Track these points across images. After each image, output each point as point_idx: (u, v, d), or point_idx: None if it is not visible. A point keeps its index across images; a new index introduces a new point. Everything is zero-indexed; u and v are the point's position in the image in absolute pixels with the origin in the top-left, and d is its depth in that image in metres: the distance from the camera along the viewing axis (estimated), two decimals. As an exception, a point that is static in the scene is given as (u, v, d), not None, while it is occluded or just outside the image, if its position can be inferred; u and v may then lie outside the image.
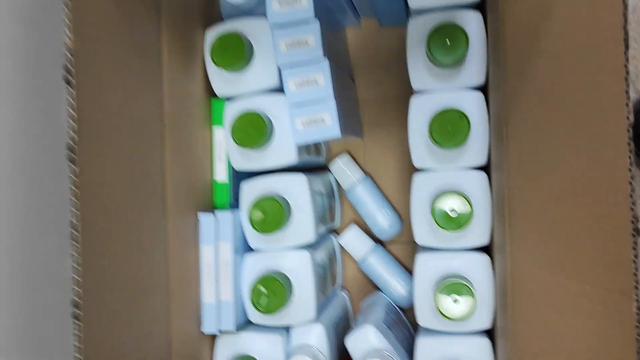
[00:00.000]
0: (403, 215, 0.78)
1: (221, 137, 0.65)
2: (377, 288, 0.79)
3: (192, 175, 0.60)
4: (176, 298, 0.56)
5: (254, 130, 0.59)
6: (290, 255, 0.62)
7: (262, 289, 0.58)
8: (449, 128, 0.56)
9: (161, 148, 0.54)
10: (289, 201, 0.61)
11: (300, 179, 0.62)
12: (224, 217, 0.61)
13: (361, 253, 0.77)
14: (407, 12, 0.73)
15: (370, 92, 0.79)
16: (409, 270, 0.78)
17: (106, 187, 0.44)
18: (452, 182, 0.58)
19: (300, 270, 0.62)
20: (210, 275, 0.61)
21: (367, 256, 0.77)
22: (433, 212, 0.56)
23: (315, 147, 0.72)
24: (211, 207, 0.65)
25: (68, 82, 0.39)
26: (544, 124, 0.43)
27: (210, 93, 0.65)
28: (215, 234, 0.61)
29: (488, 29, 0.57)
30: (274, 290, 0.59)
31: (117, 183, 0.46)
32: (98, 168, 0.43)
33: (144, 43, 0.53)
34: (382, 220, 0.77)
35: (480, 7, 0.59)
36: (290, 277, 0.61)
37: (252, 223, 0.60)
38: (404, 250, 0.79)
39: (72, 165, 0.39)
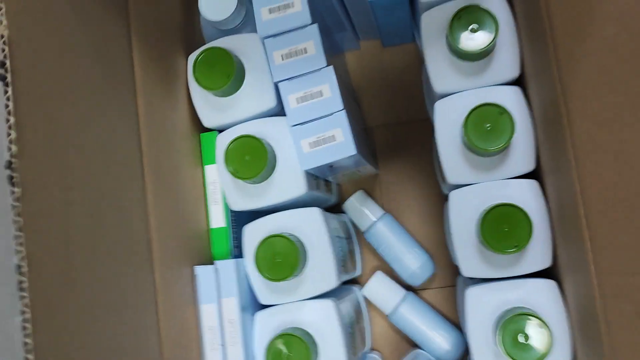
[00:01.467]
0: (434, 254, 0.67)
1: (214, 175, 0.55)
2: (413, 345, 0.67)
3: (181, 222, 0.50)
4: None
5: (253, 157, 0.49)
6: (310, 306, 0.51)
7: (282, 347, 0.46)
8: (488, 128, 0.46)
9: (142, 190, 0.44)
10: (302, 240, 0.51)
11: (314, 212, 0.52)
12: (226, 267, 0.50)
13: (391, 304, 0.65)
14: (412, 26, 0.65)
15: (379, 118, 0.70)
16: (449, 319, 0.66)
17: (69, 230, 0.34)
18: (498, 195, 0.48)
19: (325, 324, 0.50)
20: (215, 340, 0.49)
21: (397, 307, 0.65)
22: (482, 232, 0.45)
23: (325, 183, 0.62)
24: (209, 259, 0.54)
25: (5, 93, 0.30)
26: (624, 114, 0.34)
27: (199, 128, 0.56)
28: (216, 289, 0.50)
29: (517, 9, 0.49)
30: (294, 350, 0.47)
31: (82, 226, 0.36)
32: (56, 209, 0.33)
33: (112, 62, 0.44)
34: (411, 261, 0.65)
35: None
36: (313, 334, 0.49)
37: (261, 269, 0.49)
38: (440, 296, 0.67)
39: (13, 188, 0.28)
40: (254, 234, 0.52)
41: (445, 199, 0.65)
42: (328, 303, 0.51)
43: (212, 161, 0.55)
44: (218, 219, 0.55)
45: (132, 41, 0.47)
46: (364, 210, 0.67)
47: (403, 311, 0.65)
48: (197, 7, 0.53)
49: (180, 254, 0.48)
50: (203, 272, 0.50)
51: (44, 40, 0.34)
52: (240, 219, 0.57)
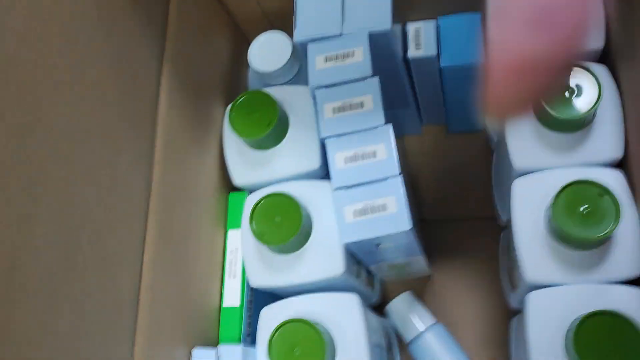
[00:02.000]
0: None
1: (236, 242, 0.46)
2: None
3: (184, 293, 0.40)
4: None
5: (284, 219, 0.40)
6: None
7: None
8: (584, 211, 0.36)
9: (139, 248, 0.36)
10: (331, 333, 0.40)
11: (351, 300, 0.41)
12: (230, 354, 0.40)
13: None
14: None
15: (437, 211, 0.61)
16: None
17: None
18: (595, 301, 0.36)
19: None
20: None
21: (422, 335, 0.52)
22: (575, 349, 0.34)
23: (367, 275, 0.51)
24: (214, 344, 0.43)
25: None
26: None
27: (229, 187, 0.48)
28: (215, 384, 0.39)
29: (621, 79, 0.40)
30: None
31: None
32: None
33: (134, 97, 0.37)
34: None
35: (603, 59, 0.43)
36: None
37: (274, 363, 0.38)
38: None
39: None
40: (272, 318, 0.42)
41: (512, 314, 0.53)
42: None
43: (238, 225, 0.46)
44: (232, 297, 0.45)
45: (162, 77, 0.40)
46: (410, 316, 0.56)
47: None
48: (246, 57, 0.47)
49: (175, 332, 0.38)
50: (201, 356, 0.39)
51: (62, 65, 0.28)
52: (259, 299, 0.47)
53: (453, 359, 0.53)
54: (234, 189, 0.48)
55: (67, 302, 0.28)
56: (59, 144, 0.28)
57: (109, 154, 0.32)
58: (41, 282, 0.26)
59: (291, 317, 0.39)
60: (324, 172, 0.46)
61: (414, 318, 0.55)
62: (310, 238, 0.42)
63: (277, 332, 0.38)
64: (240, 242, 0.46)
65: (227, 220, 0.47)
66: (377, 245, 0.42)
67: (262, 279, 0.43)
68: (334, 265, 0.42)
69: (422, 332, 0.54)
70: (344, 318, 0.41)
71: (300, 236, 0.40)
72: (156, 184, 0.37)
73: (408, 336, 0.55)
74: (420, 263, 0.52)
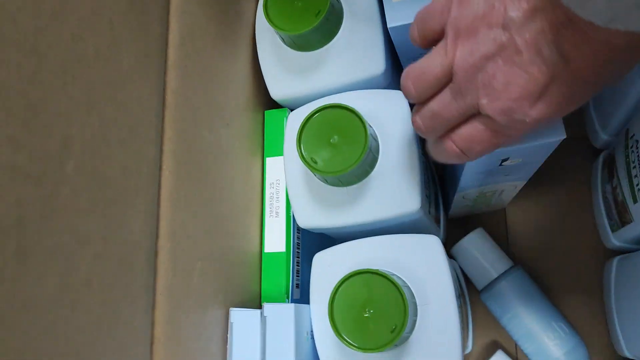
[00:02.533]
0: (587, 334, 0.45)
1: (278, 173, 0.36)
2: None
3: (213, 236, 0.31)
4: None
5: (344, 141, 0.30)
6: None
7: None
8: None
9: (153, 182, 0.26)
10: (411, 287, 0.30)
11: (434, 243, 0.32)
12: (279, 315, 0.30)
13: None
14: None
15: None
16: None
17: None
18: None
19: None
20: None
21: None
22: None
23: (435, 211, 0.41)
24: (255, 300, 0.34)
25: None
26: None
27: (264, 102, 0.38)
28: (260, 349, 0.30)
29: None
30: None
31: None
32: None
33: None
34: (552, 344, 0.43)
35: None
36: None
37: (339, 327, 0.28)
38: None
39: None
40: (330, 266, 0.32)
41: (611, 254, 0.43)
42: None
43: (279, 151, 0.36)
44: (275, 240, 0.35)
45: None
46: (482, 260, 0.46)
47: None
48: None
49: (205, 289, 0.29)
50: (242, 320, 0.30)
51: None
52: (309, 243, 0.38)
53: (536, 309, 0.44)
54: (271, 104, 0.38)
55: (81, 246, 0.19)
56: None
57: (109, 51, 0.22)
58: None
59: (358, 267, 0.30)
60: (390, 79, 0.35)
61: (485, 262, 0.46)
62: (377, 166, 0.32)
63: (342, 287, 0.29)
64: (283, 173, 0.36)
65: (263, 146, 0.37)
66: (503, 160, 0.32)
67: (313, 219, 0.33)
68: (409, 200, 0.32)
69: (496, 279, 0.45)
70: (425, 267, 0.31)
71: (364, 164, 0.30)
72: (171, 96, 0.27)
73: (479, 283, 0.46)
74: (511, 192, 0.42)
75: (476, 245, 0.46)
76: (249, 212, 0.35)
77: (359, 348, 0.28)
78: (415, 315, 0.30)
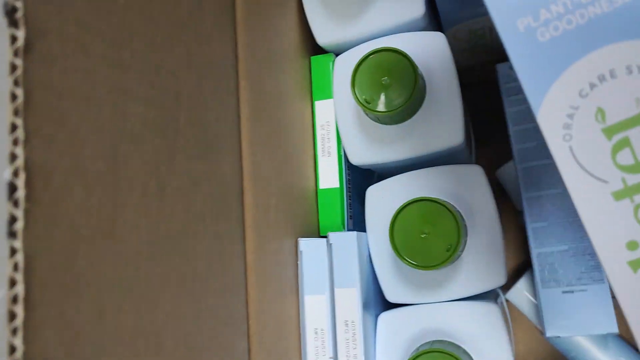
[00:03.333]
0: None
1: (328, 115, 0.39)
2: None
3: (282, 177, 0.34)
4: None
5: (395, 82, 0.33)
6: (466, 310, 0.34)
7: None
8: None
9: (235, 130, 0.29)
10: (462, 213, 0.34)
11: (478, 173, 0.35)
12: (344, 243, 0.34)
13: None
14: None
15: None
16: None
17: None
18: None
19: (488, 338, 0.33)
20: (323, 348, 0.33)
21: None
22: None
23: (469, 141, 0.44)
24: (314, 232, 0.38)
25: None
26: None
27: (309, 48, 0.40)
28: (329, 274, 0.34)
29: None
30: None
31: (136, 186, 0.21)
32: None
33: None
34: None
35: None
36: (470, 352, 0.33)
37: (399, 249, 0.32)
38: None
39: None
40: (383, 199, 0.36)
41: None
42: (492, 308, 0.34)
43: (326, 95, 0.39)
44: (329, 177, 0.39)
45: None
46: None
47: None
48: None
49: (279, 221, 0.33)
50: (311, 248, 0.34)
51: None
52: (359, 178, 0.41)
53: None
54: (315, 51, 0.40)
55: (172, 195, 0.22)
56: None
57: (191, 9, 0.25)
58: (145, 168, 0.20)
59: (409, 197, 0.33)
60: (428, 20, 0.37)
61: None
62: (424, 104, 0.35)
63: (401, 213, 0.32)
64: (332, 115, 0.39)
65: (311, 90, 0.40)
66: None
67: (364, 155, 0.37)
68: (453, 135, 0.35)
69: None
70: (473, 194, 0.34)
71: (415, 101, 0.33)
72: (242, 49, 0.30)
73: (521, 204, 0.50)
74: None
75: (508, 175, 0.49)
76: (305, 152, 0.38)
77: (418, 266, 0.32)
78: (466, 235, 0.33)
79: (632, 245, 0.19)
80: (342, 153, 0.39)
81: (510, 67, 0.41)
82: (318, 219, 0.39)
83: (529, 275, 0.48)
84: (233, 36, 0.29)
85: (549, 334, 0.38)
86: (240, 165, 0.29)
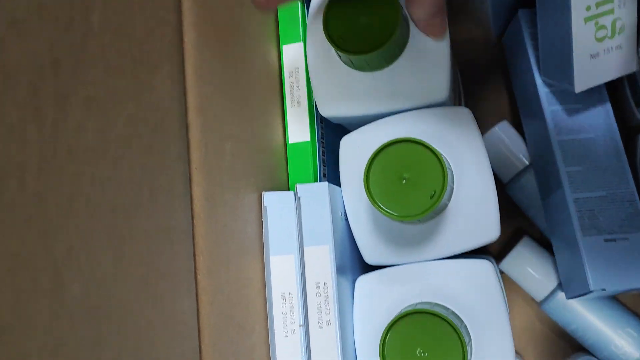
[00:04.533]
0: None
1: (296, 61, 0.35)
2: (577, 348, 0.45)
3: (243, 128, 0.30)
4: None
5: (372, 20, 0.29)
6: (457, 267, 0.30)
7: (413, 334, 0.26)
8: None
9: (175, 73, 0.25)
10: (448, 159, 0.30)
11: (465, 114, 0.31)
12: (314, 194, 0.30)
13: (546, 286, 0.44)
14: None
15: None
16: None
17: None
18: None
19: (481, 300, 0.29)
20: (291, 317, 0.29)
21: (556, 290, 0.43)
22: None
23: (457, 92, 0.40)
24: (281, 187, 0.34)
25: None
26: None
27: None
28: (297, 231, 0.30)
29: None
30: (435, 341, 0.26)
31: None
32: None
33: None
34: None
35: None
36: (461, 315, 0.28)
37: (376, 196, 0.28)
38: None
39: None
40: (359, 148, 0.32)
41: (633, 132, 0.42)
42: (485, 264, 0.30)
43: (294, 38, 0.35)
44: (299, 130, 0.34)
45: None
46: (507, 152, 0.45)
47: (565, 297, 0.43)
48: None
49: (237, 173, 0.28)
50: (276, 202, 0.30)
51: None
52: (334, 133, 0.37)
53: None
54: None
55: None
56: None
57: None
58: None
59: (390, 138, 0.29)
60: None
61: (512, 154, 0.45)
62: (406, 49, 0.31)
63: (377, 158, 0.28)
64: (302, 61, 0.34)
65: (278, 33, 0.36)
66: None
67: (337, 107, 0.32)
68: (437, 88, 0.31)
69: (522, 170, 0.45)
70: (457, 135, 0.30)
71: (396, 42, 0.29)
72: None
73: (506, 175, 0.46)
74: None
75: (503, 137, 0.45)
76: (270, 100, 0.34)
77: (398, 216, 0.28)
78: (453, 182, 0.29)
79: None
80: (314, 103, 0.35)
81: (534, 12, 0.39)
82: (288, 177, 0.34)
83: (524, 244, 0.44)
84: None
85: (593, 286, 0.35)
86: (182, 96, 0.24)
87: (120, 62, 0.20)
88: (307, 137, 0.34)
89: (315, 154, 0.34)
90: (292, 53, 0.35)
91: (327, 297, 0.28)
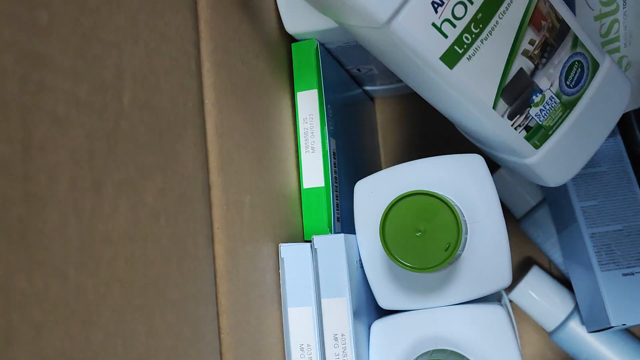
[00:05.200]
0: None
1: (310, 108, 0.36)
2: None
3: (258, 174, 0.31)
4: None
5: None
6: (469, 314, 0.30)
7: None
8: None
9: (198, 137, 0.25)
10: (461, 208, 0.30)
11: (477, 161, 0.32)
12: (331, 246, 0.30)
13: (556, 316, 0.44)
14: None
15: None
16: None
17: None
18: None
19: (495, 346, 0.29)
20: (312, 369, 0.29)
21: (567, 321, 0.43)
22: None
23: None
24: (298, 237, 0.34)
25: None
26: None
27: (287, 36, 0.37)
28: (314, 283, 0.30)
29: None
30: None
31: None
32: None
33: None
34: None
35: None
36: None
37: (392, 249, 0.29)
38: None
39: None
40: (373, 194, 0.32)
41: None
42: (497, 311, 0.30)
43: (310, 85, 0.36)
44: (314, 175, 0.35)
45: None
46: (519, 187, 0.46)
47: (575, 327, 0.43)
48: None
49: (256, 223, 0.29)
50: (293, 254, 0.30)
51: None
52: (348, 177, 0.38)
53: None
54: (293, 39, 0.37)
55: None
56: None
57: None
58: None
59: (402, 191, 0.29)
60: None
61: (525, 190, 0.46)
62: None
63: (392, 209, 0.29)
64: (316, 107, 0.35)
65: (292, 80, 0.36)
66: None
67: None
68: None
69: (535, 206, 0.45)
70: (469, 183, 0.31)
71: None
72: (204, 26, 0.26)
73: (519, 210, 0.46)
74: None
75: (512, 172, 0.46)
76: (284, 148, 0.34)
77: (414, 268, 0.28)
78: (467, 233, 0.30)
79: None
80: (328, 149, 0.35)
81: None
82: (302, 222, 0.35)
83: (533, 273, 0.45)
84: (194, 9, 0.26)
85: (614, 322, 0.36)
86: (205, 158, 0.25)
87: (148, 137, 0.20)
88: (321, 183, 0.35)
89: (329, 198, 0.35)
90: (306, 100, 0.36)
91: (345, 348, 0.29)
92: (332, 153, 0.36)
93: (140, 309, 0.18)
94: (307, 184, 0.35)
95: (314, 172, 0.35)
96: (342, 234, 0.30)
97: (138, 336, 0.18)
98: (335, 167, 0.36)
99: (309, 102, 0.36)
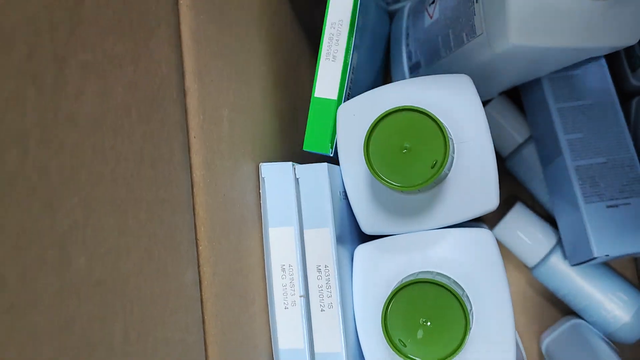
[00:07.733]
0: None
1: (343, 13, 0.33)
2: (567, 312, 0.45)
3: (234, 95, 0.29)
4: (217, 338, 0.24)
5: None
6: (456, 237, 0.30)
7: (414, 302, 0.26)
8: None
9: (172, 37, 0.24)
10: (448, 127, 0.29)
11: (465, 81, 0.30)
12: (316, 174, 0.29)
13: (537, 252, 0.44)
14: None
15: None
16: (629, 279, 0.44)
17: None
18: None
19: (482, 271, 0.29)
20: (291, 288, 0.28)
21: (549, 256, 0.43)
22: None
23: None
24: (294, 153, 0.33)
25: None
26: None
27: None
28: (296, 204, 0.29)
29: None
30: (438, 311, 0.26)
31: None
32: None
33: None
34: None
35: None
36: (462, 284, 0.28)
37: (377, 167, 0.28)
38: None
39: None
40: (356, 117, 0.31)
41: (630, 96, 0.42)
42: (485, 234, 0.30)
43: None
44: (328, 86, 0.33)
45: None
46: (505, 124, 0.45)
47: (556, 262, 0.43)
48: None
49: (234, 136, 0.28)
50: (273, 174, 0.29)
51: None
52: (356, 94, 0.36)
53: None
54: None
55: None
56: None
57: None
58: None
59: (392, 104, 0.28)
60: None
61: (510, 126, 0.45)
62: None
63: (377, 127, 0.28)
64: (349, 14, 0.33)
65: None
66: None
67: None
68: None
69: (522, 143, 0.44)
70: (457, 104, 0.30)
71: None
72: None
73: (505, 149, 0.45)
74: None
75: (499, 110, 0.45)
76: (303, 53, 0.32)
77: (399, 187, 0.27)
78: (454, 151, 0.29)
79: None
80: (350, 61, 0.33)
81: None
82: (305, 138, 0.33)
83: (516, 209, 0.44)
84: None
85: (597, 252, 0.35)
86: (179, 61, 0.23)
87: (116, 24, 0.19)
88: (334, 95, 0.33)
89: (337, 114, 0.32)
90: (340, 3, 0.33)
91: (329, 279, 0.28)
92: (352, 67, 0.34)
93: (111, 202, 0.17)
94: (319, 92, 0.33)
95: (329, 82, 0.33)
96: (326, 164, 0.29)
97: (108, 231, 0.17)
98: (350, 83, 0.34)
99: (341, 6, 0.33)
